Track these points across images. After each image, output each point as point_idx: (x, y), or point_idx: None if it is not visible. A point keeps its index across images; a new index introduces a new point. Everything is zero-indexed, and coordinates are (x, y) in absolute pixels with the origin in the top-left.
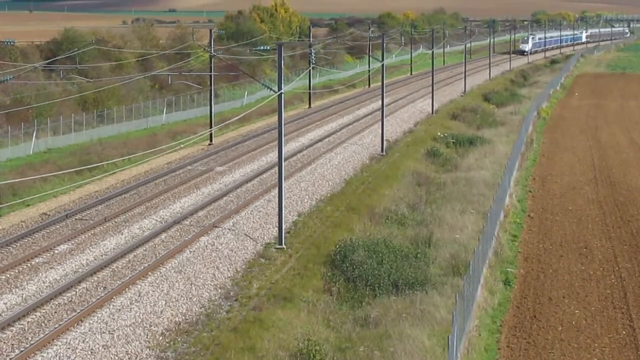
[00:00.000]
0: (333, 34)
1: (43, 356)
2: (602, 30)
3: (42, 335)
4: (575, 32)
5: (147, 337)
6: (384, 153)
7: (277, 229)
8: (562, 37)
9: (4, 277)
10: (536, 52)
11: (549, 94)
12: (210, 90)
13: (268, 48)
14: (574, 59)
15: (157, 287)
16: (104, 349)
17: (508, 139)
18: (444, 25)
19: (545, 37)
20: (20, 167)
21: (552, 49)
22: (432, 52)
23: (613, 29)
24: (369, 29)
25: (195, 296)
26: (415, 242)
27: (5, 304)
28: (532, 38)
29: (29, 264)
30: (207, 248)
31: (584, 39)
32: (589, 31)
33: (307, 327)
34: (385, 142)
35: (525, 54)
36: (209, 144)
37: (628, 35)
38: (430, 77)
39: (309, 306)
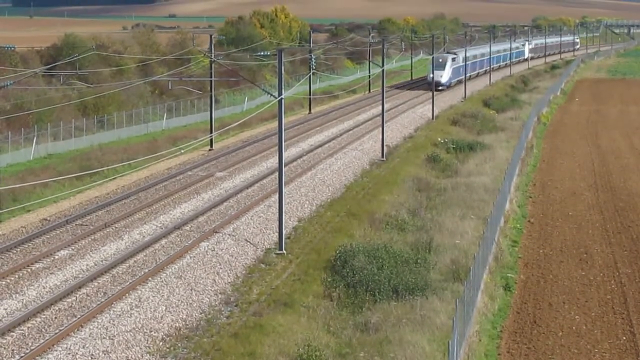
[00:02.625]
0: (333, 39)
1: None
2: (546, 41)
3: (42, 341)
4: (514, 45)
5: (147, 343)
6: (384, 158)
7: (277, 234)
8: (501, 54)
9: (4, 282)
10: (460, 82)
11: (549, 100)
12: (211, 95)
13: (268, 53)
14: (574, 64)
15: (157, 292)
16: (104, 354)
17: (508, 144)
18: (444, 30)
19: (481, 56)
20: (20, 172)
21: (489, 72)
22: (433, 57)
23: (558, 39)
24: (369, 34)
25: (196, 301)
26: (416, 248)
27: (5, 309)
28: (453, 60)
29: (29, 270)
30: (208, 253)
31: (526, 54)
32: (533, 43)
33: (307, 333)
34: (385, 148)
35: (441, 87)
36: (209, 150)
37: (578, 47)
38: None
39: (309, 312)
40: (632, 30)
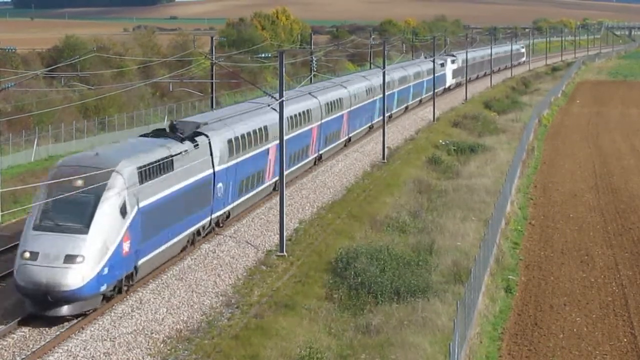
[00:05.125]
0: (334, 41)
1: None
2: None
3: (43, 343)
4: (424, 68)
5: (148, 345)
6: (385, 160)
7: (278, 236)
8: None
9: (6, 284)
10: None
11: (550, 102)
12: (212, 97)
13: (269, 55)
14: (575, 66)
15: (158, 294)
16: (105, 356)
17: (509, 146)
18: (445, 32)
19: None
20: (21, 174)
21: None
22: (434, 59)
23: (506, 48)
24: (370, 36)
25: (197, 303)
26: (417, 250)
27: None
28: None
29: None
30: (209, 255)
31: (448, 81)
32: (460, 59)
33: (308, 335)
34: (386, 150)
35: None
36: None
37: (524, 59)
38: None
39: (311, 314)
40: (633, 32)
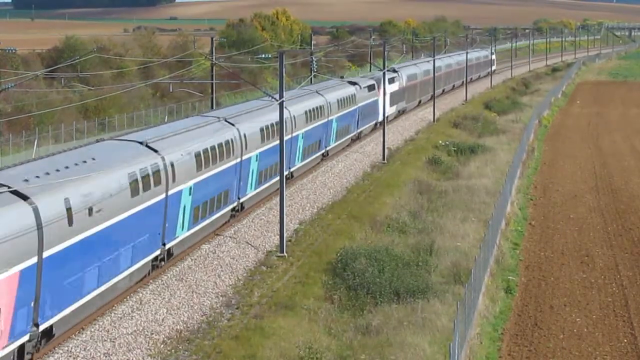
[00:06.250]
0: (334, 41)
1: None
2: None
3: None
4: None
5: (148, 345)
6: (386, 161)
7: (278, 237)
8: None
9: None
10: None
11: (550, 102)
12: (212, 98)
13: (269, 56)
14: (575, 67)
15: (158, 295)
16: (105, 357)
17: (509, 146)
18: (445, 33)
19: None
20: None
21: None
22: (434, 60)
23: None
24: (371, 37)
25: (197, 304)
26: (417, 250)
27: None
28: None
29: None
30: (209, 256)
31: (381, 112)
32: (405, 75)
33: (308, 335)
34: (386, 150)
35: None
36: None
37: (495, 68)
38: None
39: (310, 314)
40: (633, 33)
